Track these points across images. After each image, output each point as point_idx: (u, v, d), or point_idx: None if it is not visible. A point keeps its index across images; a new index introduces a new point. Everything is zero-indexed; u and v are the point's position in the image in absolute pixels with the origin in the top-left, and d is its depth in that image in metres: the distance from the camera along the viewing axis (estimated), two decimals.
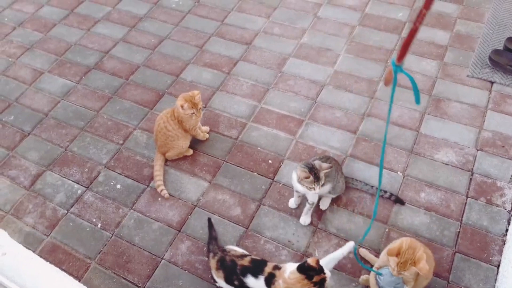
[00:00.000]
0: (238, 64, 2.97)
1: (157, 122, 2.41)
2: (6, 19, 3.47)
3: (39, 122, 2.75)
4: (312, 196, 2.08)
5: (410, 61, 2.88)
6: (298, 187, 2.02)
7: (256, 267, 1.80)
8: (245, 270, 1.81)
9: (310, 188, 1.95)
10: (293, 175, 2.03)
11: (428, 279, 1.82)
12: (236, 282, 1.84)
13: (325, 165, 1.94)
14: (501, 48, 2.83)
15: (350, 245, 1.84)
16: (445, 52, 2.92)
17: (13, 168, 2.53)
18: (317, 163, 1.94)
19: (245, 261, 1.84)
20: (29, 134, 2.69)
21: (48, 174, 2.49)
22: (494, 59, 2.74)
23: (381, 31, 3.10)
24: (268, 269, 1.77)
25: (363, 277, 1.99)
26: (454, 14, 3.16)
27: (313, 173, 1.91)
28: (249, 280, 1.79)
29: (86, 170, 2.49)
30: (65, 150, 2.60)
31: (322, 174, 1.92)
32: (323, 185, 1.96)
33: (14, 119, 2.78)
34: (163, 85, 2.89)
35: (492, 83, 2.71)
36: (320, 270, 1.63)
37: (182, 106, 2.28)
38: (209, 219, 2.20)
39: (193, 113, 2.30)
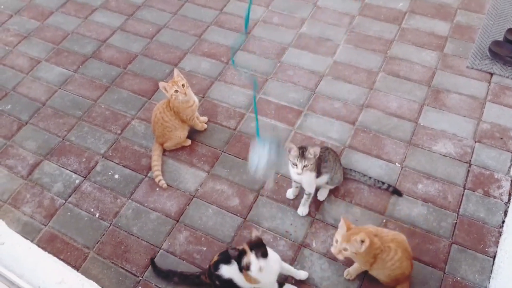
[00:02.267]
0: (237, 54, 2.95)
1: (154, 113, 2.40)
2: (2, 6, 3.44)
3: (37, 111, 2.73)
4: (308, 187, 2.08)
5: (409, 51, 2.86)
6: (293, 175, 2.03)
7: (226, 256, 1.81)
8: (217, 264, 1.82)
9: (293, 164, 1.93)
10: (289, 168, 2.05)
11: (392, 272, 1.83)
12: (217, 282, 1.84)
13: (317, 150, 1.92)
14: (501, 39, 2.81)
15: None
16: (445, 43, 2.90)
17: (10, 158, 2.52)
18: (314, 148, 1.92)
19: (215, 257, 1.86)
20: (26, 123, 2.68)
21: (45, 164, 2.48)
22: (494, 51, 2.73)
23: (381, 21, 3.07)
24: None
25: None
26: (454, 5, 3.14)
27: (301, 150, 1.91)
28: (223, 270, 1.79)
29: (84, 160, 2.48)
30: (63, 139, 2.59)
31: (308, 154, 1.90)
32: (305, 167, 1.91)
33: (11, 108, 2.76)
34: (161, 75, 2.87)
35: (491, 74, 2.70)
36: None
37: (165, 88, 2.27)
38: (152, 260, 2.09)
39: (176, 90, 2.26)
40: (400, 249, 1.77)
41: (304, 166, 1.91)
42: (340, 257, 1.76)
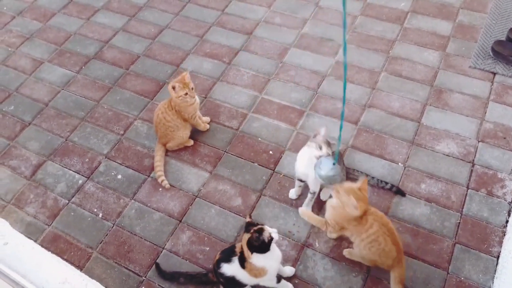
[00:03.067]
0: (239, 54, 2.96)
1: (155, 114, 2.40)
2: (5, 8, 3.45)
3: (39, 112, 2.74)
4: (314, 185, 2.08)
5: (412, 51, 2.86)
6: (298, 168, 2.07)
7: (226, 254, 1.83)
8: (219, 262, 1.83)
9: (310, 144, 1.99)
10: (296, 162, 2.07)
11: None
12: (221, 280, 1.86)
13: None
14: (504, 39, 2.81)
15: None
16: (447, 42, 2.90)
17: (14, 158, 2.53)
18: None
19: (217, 256, 1.87)
20: (29, 124, 2.69)
21: (49, 164, 2.49)
22: (496, 50, 2.72)
23: (383, 21, 3.07)
24: (237, 249, 1.80)
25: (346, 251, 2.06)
26: (456, 4, 3.13)
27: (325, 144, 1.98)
28: (224, 268, 1.81)
29: (87, 160, 2.49)
30: (66, 140, 2.59)
31: (328, 147, 1.96)
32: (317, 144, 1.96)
33: (14, 109, 2.77)
34: (163, 75, 2.88)
35: (494, 74, 2.69)
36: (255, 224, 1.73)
37: (173, 88, 2.27)
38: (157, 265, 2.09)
39: (186, 93, 2.27)
40: (378, 223, 1.79)
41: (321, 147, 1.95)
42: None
